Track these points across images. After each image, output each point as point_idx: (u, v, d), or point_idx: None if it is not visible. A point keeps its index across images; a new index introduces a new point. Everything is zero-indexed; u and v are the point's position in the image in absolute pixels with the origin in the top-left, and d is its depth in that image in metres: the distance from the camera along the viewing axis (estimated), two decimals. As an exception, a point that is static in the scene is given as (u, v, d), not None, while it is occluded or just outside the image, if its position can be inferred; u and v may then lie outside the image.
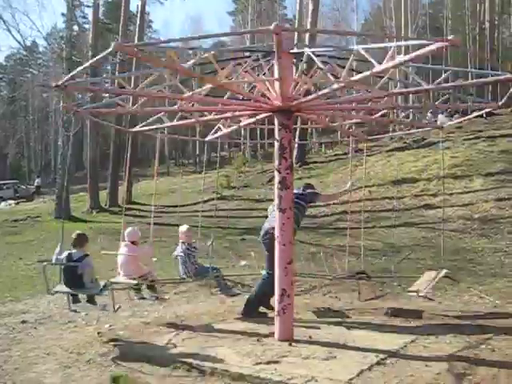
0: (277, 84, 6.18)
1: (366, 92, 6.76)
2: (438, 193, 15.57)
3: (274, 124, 6.48)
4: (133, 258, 7.55)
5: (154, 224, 18.44)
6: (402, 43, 6.52)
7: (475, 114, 9.33)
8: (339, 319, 7.19)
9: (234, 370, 5.11)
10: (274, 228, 6.46)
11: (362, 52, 5.15)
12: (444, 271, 7.85)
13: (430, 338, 6.14)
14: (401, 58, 4.99)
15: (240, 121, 8.09)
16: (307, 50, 6.12)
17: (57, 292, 6.71)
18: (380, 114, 8.03)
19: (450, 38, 4.80)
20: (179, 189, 23.32)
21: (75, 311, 7.13)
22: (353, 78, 5.71)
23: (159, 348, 6.01)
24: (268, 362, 5.32)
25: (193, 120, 7.87)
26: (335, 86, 5.61)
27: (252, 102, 6.57)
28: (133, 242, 7.77)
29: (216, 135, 8.73)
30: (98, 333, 6.83)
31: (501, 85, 20.08)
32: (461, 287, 9.19)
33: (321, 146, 34.05)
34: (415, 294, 7.46)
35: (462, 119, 10.24)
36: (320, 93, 5.95)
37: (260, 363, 5.31)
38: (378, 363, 5.27)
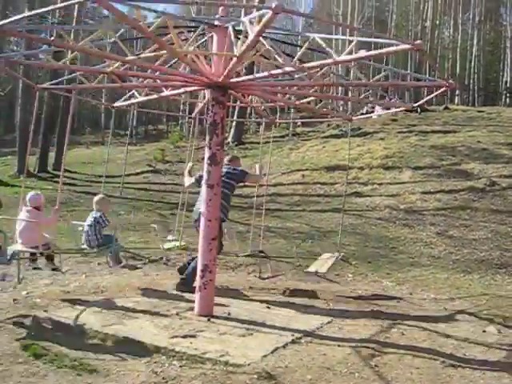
0: (215, 59, 6.13)
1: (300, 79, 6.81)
2: (369, 182, 15.94)
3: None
4: (35, 224, 6.80)
5: (82, 192, 17.99)
6: (368, 39, 6.23)
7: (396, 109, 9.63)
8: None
9: (149, 341, 5.09)
10: None
11: (320, 41, 5.16)
12: (337, 254, 8.63)
13: (346, 320, 6.34)
14: (365, 52, 4.98)
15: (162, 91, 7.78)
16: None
17: None
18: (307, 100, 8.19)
19: (416, 42, 4.95)
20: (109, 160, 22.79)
21: None
22: (307, 65, 5.79)
23: (75, 318, 5.90)
24: (184, 336, 5.33)
25: (157, 95, 7.75)
26: (288, 69, 5.58)
27: (190, 75, 6.45)
28: (36, 208, 7.13)
29: (127, 102, 8.31)
30: (14, 300, 6.57)
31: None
32: (381, 274, 9.54)
33: (259, 126, 34.07)
34: (314, 273, 8.20)
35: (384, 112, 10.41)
36: (260, 75, 5.93)
37: (177, 337, 5.31)
38: (292, 342, 5.39)
